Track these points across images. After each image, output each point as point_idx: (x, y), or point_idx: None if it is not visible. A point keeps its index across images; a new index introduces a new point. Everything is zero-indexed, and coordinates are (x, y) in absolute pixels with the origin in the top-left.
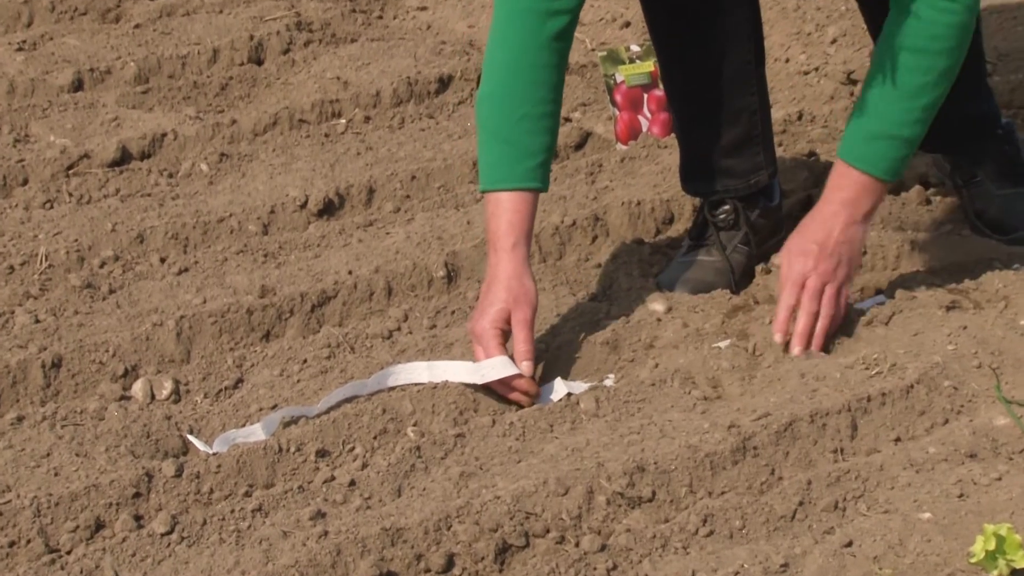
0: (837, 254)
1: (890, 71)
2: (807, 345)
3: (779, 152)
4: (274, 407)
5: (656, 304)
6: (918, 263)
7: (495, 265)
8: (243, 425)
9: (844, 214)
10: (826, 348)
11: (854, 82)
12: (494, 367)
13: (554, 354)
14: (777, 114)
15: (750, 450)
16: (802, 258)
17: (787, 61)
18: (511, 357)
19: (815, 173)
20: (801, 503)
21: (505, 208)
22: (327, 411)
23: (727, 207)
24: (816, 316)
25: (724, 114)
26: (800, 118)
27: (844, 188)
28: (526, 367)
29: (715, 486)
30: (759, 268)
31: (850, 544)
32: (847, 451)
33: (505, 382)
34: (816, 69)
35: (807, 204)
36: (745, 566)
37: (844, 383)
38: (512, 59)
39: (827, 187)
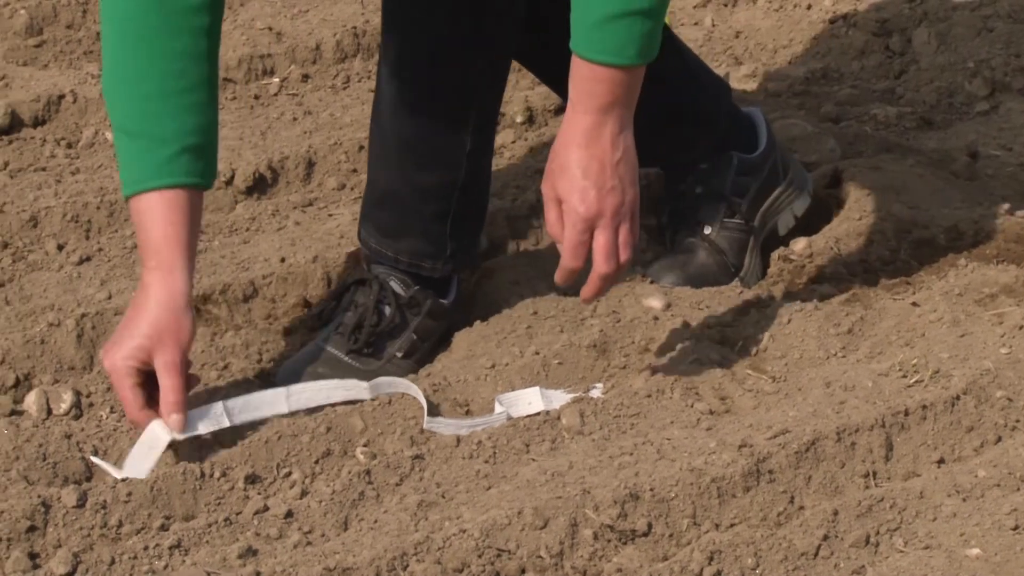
0: (618, 179)
1: None
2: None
3: (799, 116)
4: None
5: (653, 300)
6: (966, 249)
7: (143, 287)
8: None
9: (610, 124)
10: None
11: (889, 33)
12: (147, 443)
13: (530, 359)
14: (798, 71)
15: (765, 474)
16: (582, 206)
17: (809, 7)
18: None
19: (844, 142)
20: (826, 537)
21: (151, 216)
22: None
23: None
24: (615, 277)
25: (422, 161)
26: (824, 76)
27: (596, 92)
28: (175, 421)
29: (723, 517)
30: (775, 255)
31: None
32: (881, 475)
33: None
34: (844, 17)
35: (833, 180)
36: None
37: (877, 394)
38: (124, 29)
39: (574, 93)
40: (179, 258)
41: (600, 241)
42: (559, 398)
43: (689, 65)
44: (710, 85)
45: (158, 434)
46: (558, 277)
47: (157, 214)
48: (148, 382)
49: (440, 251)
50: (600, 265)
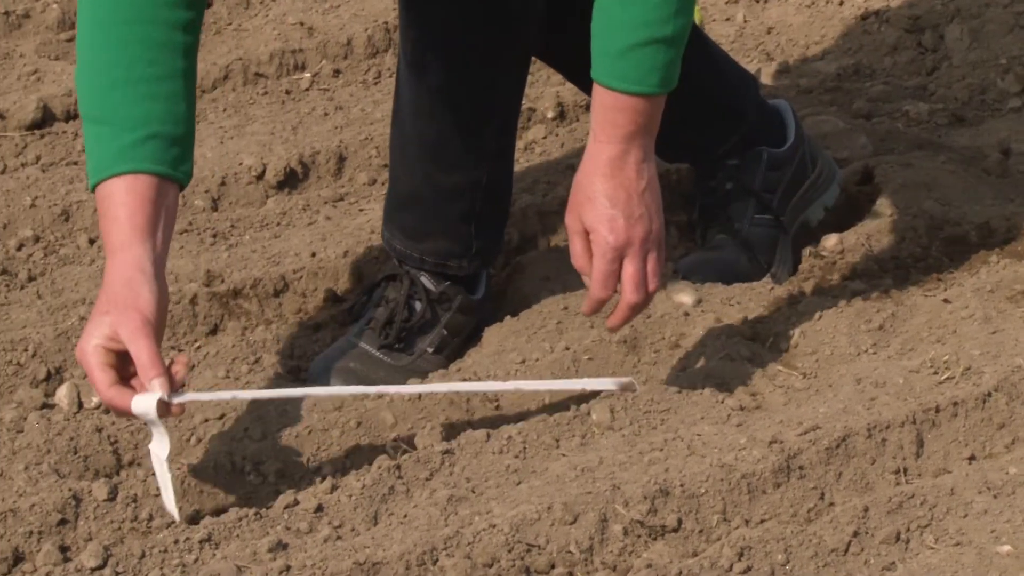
0: (644, 208)
1: None
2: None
3: (831, 112)
4: (221, 416)
5: (684, 296)
6: (998, 246)
7: (105, 274)
8: (188, 440)
9: (634, 153)
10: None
11: (921, 29)
12: (148, 421)
13: (560, 355)
14: (830, 67)
15: (795, 470)
16: (611, 235)
17: (841, 4)
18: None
19: (875, 139)
20: (856, 534)
21: (110, 202)
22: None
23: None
24: (643, 305)
25: (443, 161)
26: (856, 72)
27: (619, 121)
28: (156, 384)
29: (753, 513)
30: (806, 251)
31: None
32: (911, 471)
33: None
34: (876, 14)
35: (865, 177)
36: None
37: (908, 390)
38: (96, 17)
39: (596, 123)
40: (134, 237)
41: (629, 271)
42: (604, 383)
43: (715, 61)
44: (737, 81)
45: (143, 405)
46: (586, 308)
47: (116, 199)
48: (124, 367)
49: (465, 250)
50: (629, 294)
